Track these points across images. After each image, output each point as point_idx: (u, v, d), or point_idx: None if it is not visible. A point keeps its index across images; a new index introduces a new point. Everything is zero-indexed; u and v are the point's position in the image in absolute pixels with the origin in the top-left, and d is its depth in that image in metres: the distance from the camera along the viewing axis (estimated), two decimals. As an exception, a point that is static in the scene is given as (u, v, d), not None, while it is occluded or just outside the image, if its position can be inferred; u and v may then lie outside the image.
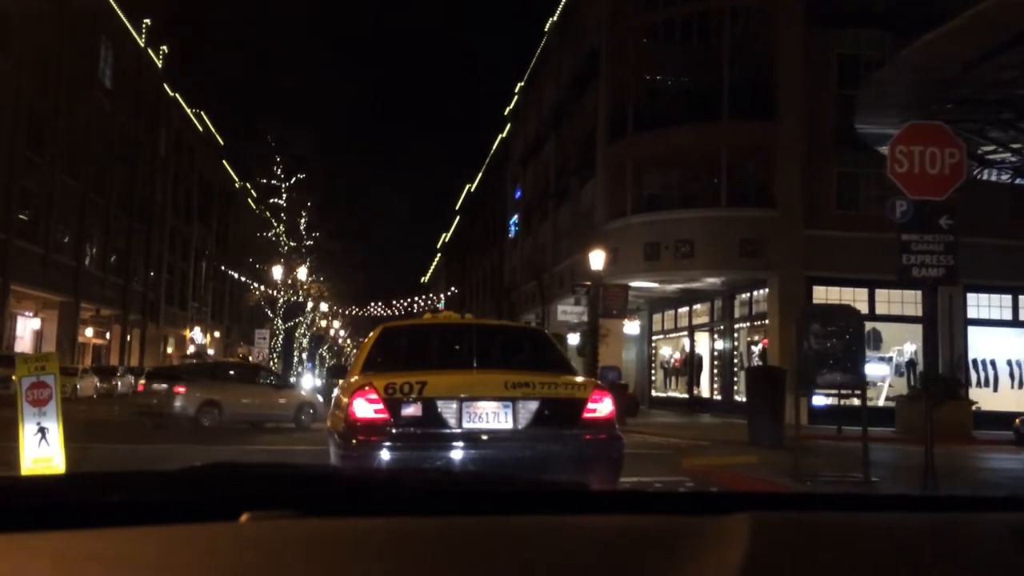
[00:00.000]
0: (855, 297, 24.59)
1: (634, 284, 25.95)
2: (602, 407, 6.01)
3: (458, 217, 76.35)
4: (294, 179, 28.01)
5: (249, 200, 29.39)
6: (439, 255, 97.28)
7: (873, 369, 24.98)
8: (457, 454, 5.80)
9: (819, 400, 24.96)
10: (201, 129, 63.31)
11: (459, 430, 5.81)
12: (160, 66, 53.08)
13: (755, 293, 26.21)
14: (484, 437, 5.81)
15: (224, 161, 65.39)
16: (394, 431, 5.76)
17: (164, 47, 53.16)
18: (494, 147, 56.20)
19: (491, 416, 5.86)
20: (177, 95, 56.86)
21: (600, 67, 29.14)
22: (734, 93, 24.87)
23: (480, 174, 63.27)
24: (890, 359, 24.93)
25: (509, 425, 5.86)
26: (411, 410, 5.79)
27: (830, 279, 24.41)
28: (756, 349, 26.68)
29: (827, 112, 24.64)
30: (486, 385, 5.99)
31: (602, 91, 28.89)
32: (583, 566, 1.10)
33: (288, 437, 17.11)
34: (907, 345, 24.98)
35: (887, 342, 24.86)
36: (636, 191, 27.05)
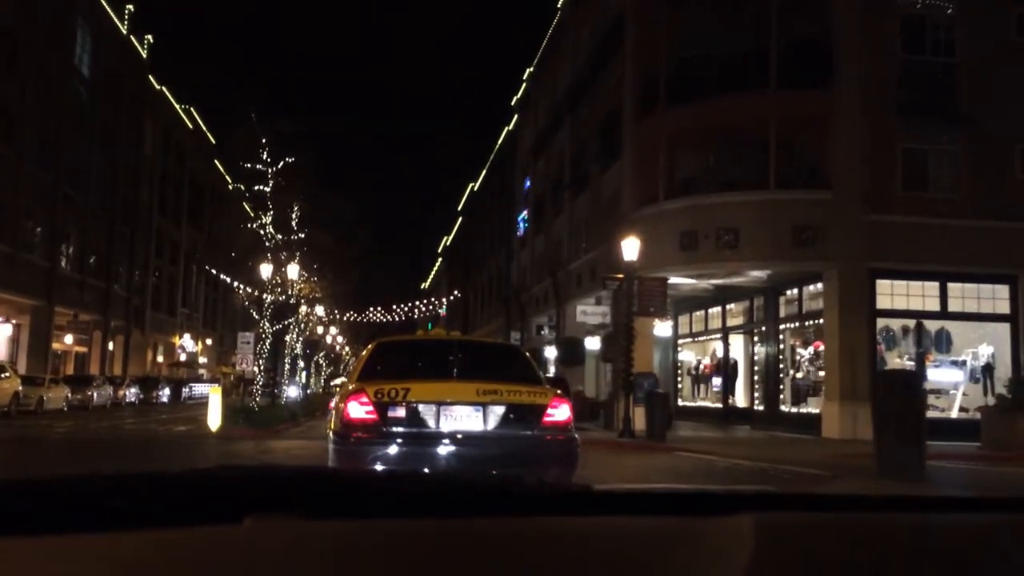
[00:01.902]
0: (924, 292, 21.46)
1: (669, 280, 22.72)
2: (559, 412, 6.87)
3: (460, 218, 73.17)
4: (282, 163, 24.72)
5: (245, 204, 26.08)
6: (440, 259, 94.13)
7: (944, 375, 21.83)
8: (435, 450, 6.63)
9: (885, 410, 21.91)
10: (191, 126, 60.21)
11: (437, 430, 6.67)
12: (145, 56, 50.03)
13: (806, 289, 22.99)
14: (459, 436, 6.66)
15: (216, 161, 62.23)
16: (382, 430, 6.63)
17: (149, 36, 50.17)
18: (499, 141, 53.01)
19: (464, 418, 6.72)
20: (164, 89, 53.81)
21: (625, 35, 25.96)
22: (783, 58, 21.68)
23: (484, 171, 60.10)
24: (963, 363, 21.70)
25: (480, 426, 6.72)
26: (397, 412, 6.66)
27: (896, 272, 21.20)
28: (806, 353, 23.47)
29: (890, 79, 21.48)
30: (461, 392, 6.85)
31: (628, 62, 25.70)
32: (586, 568, 1.10)
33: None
34: (982, 347, 21.77)
35: (958, 344, 21.64)
36: (670, 173, 23.83)
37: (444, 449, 6.68)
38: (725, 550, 1.12)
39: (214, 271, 56.03)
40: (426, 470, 6.27)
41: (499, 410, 6.80)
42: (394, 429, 6.70)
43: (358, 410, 6.70)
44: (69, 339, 44.17)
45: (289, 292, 27.83)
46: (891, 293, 21.38)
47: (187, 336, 61.38)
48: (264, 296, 25.49)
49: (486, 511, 1.31)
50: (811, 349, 23.17)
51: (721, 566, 1.09)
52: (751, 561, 1.08)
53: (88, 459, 13.86)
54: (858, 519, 1.36)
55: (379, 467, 6.58)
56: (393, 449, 6.65)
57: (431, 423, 6.74)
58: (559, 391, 7.35)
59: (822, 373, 22.87)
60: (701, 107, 22.59)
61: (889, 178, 21.40)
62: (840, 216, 21.01)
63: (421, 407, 6.73)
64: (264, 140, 24.66)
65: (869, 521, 1.32)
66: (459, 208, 72.94)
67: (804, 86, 21.58)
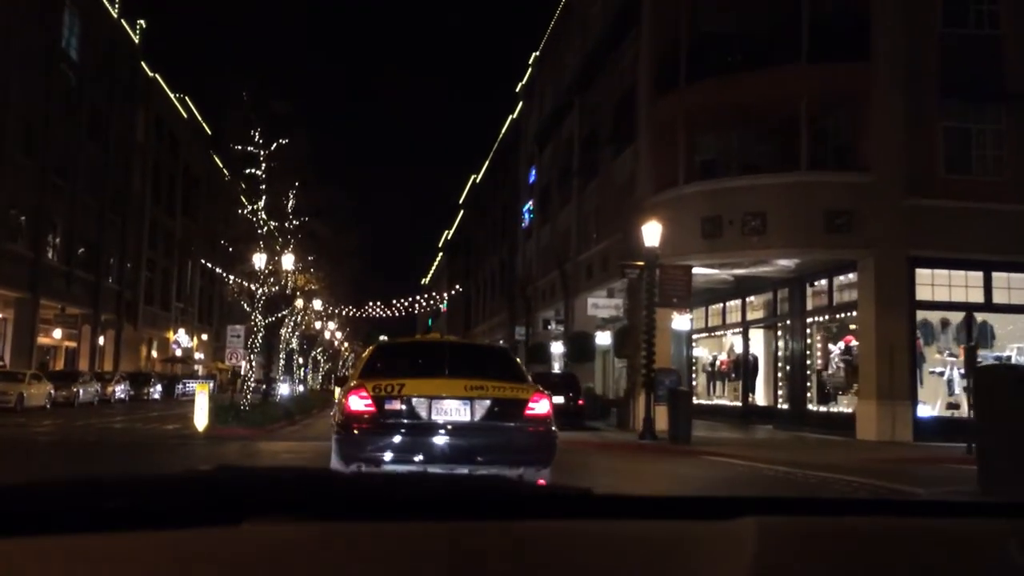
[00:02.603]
0: (967, 282, 19.88)
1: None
2: (539, 406, 7.71)
3: (462, 212, 71.53)
4: (275, 145, 23.09)
5: (238, 189, 24.43)
6: (441, 254, 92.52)
7: (987, 371, 20.24)
8: (427, 439, 7.44)
9: (925, 411, 20.32)
10: (185, 116, 58.46)
11: (429, 421, 7.48)
12: (137, 42, 48.35)
13: (837, 279, 21.40)
14: (448, 426, 7.50)
15: (213, 153, 60.39)
16: (379, 421, 7.47)
17: (142, 21, 48.49)
18: (503, 131, 51.36)
19: (453, 411, 7.53)
20: (157, 76, 52.13)
21: (641, 10, 24.30)
22: (816, 29, 20.06)
23: (487, 162, 58.44)
24: (1008, 359, 20.11)
25: (467, 418, 7.52)
26: (393, 405, 7.48)
27: (937, 260, 19.60)
28: (836, 348, 21.88)
29: (931, 53, 19.88)
30: (451, 387, 7.66)
31: (645, 39, 24.07)
32: (586, 571, 1.10)
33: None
34: (1029, 342, 20.20)
35: (1002, 338, 20.05)
36: (689, 156, 22.22)
37: (435, 438, 7.46)
38: (727, 554, 1.12)
39: (209, 264, 54.46)
40: (426, 472, 7.00)
41: (485, 403, 7.56)
42: (390, 420, 7.48)
43: (358, 403, 7.49)
44: (58, 334, 42.54)
45: (284, 282, 26.24)
46: (932, 283, 19.79)
47: (182, 331, 59.75)
48: (255, 286, 23.89)
49: (486, 514, 1.31)
50: (841, 344, 21.58)
51: (723, 570, 1.09)
52: (753, 565, 1.07)
53: (45, 462, 12.29)
54: (860, 523, 1.37)
55: (379, 454, 7.47)
56: (389, 438, 7.46)
57: (424, 415, 7.51)
58: (540, 387, 8.06)
59: (841, 368, 21.42)
60: (724, 83, 20.97)
61: (929, 159, 19.79)
62: (877, 200, 19.41)
63: (415, 400, 7.52)
64: (256, 121, 23.07)
65: (871, 525, 1.33)
66: (460, 201, 71.35)
67: (839, 59, 19.97)
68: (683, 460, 14.51)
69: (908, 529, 1.33)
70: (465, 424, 7.47)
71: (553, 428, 7.81)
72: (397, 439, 7.42)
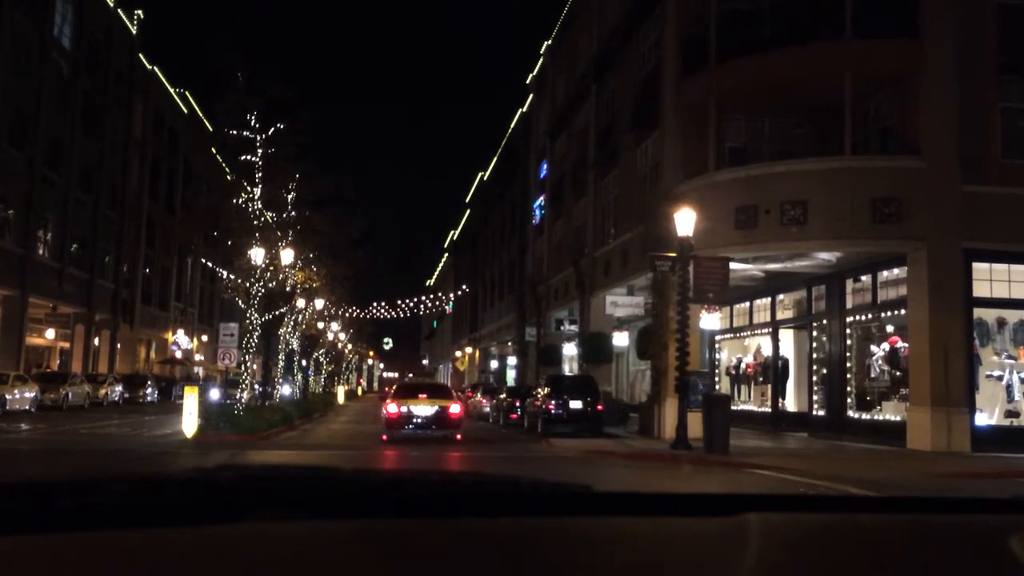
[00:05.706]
0: (1028, 277, 18.17)
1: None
2: (455, 408, 19.30)
3: (469, 210, 69.86)
4: (272, 130, 21.44)
5: (238, 179, 22.78)
6: (446, 255, 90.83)
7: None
8: (414, 420, 18.93)
9: (982, 419, 18.59)
10: (186, 111, 56.81)
11: (415, 414, 18.99)
12: (135, 33, 46.78)
13: (882, 274, 19.71)
14: (422, 415, 18.99)
15: (214, 148, 58.73)
16: (398, 414, 19.07)
17: (139, 12, 46.89)
18: (512, 125, 49.68)
19: (424, 410, 19.05)
20: (156, 69, 50.54)
21: (666, -13, 22.62)
22: (860, 2, 18.38)
23: (495, 159, 56.75)
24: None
25: (430, 413, 19.01)
26: (403, 409, 19.10)
27: (995, 253, 17.92)
28: (879, 350, 20.15)
29: (987, 27, 18.22)
30: (424, 402, 19.25)
31: (670, 15, 22.34)
32: (586, 568, 1.10)
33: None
34: (1094, 343, 18.47)
35: (1064, 339, 18.33)
36: (720, 140, 20.55)
37: (417, 420, 18.78)
38: (725, 550, 1.12)
39: (211, 264, 52.77)
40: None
41: (435, 407, 18.93)
42: (402, 415, 18.90)
43: (391, 408, 19.15)
44: (51, 334, 41.03)
45: (281, 276, 24.57)
46: (989, 279, 18.10)
47: (181, 332, 58.13)
48: (251, 282, 22.23)
49: (487, 511, 1.30)
50: (886, 345, 19.86)
51: (721, 566, 1.08)
52: (751, 561, 1.07)
53: None
54: (858, 520, 1.36)
55: (397, 426, 18.88)
56: (401, 420, 18.81)
57: (414, 412, 18.86)
58: (458, 400, 20.48)
59: (885, 372, 19.73)
60: (759, 61, 19.27)
61: (985, 143, 18.11)
62: (929, 187, 17.73)
63: (411, 407, 18.97)
64: (253, 103, 21.42)
65: (868, 522, 1.33)
66: (467, 199, 69.68)
67: (886, 35, 18.31)
68: (727, 474, 12.83)
69: (907, 526, 1.31)
70: (428, 414, 18.73)
71: (462, 416, 19.44)
72: (403, 420, 18.70)
